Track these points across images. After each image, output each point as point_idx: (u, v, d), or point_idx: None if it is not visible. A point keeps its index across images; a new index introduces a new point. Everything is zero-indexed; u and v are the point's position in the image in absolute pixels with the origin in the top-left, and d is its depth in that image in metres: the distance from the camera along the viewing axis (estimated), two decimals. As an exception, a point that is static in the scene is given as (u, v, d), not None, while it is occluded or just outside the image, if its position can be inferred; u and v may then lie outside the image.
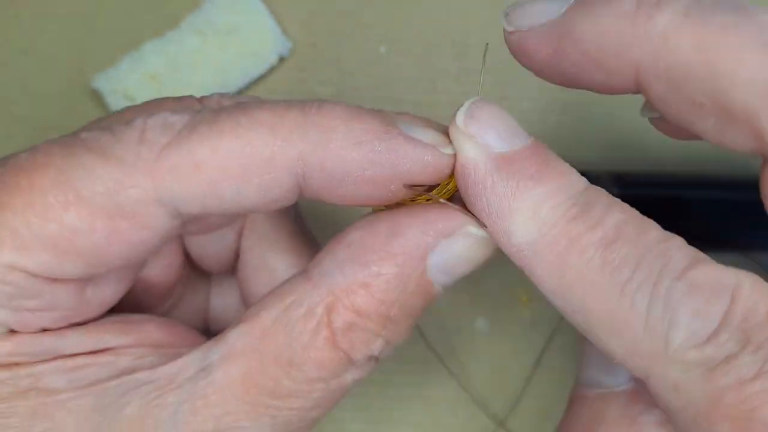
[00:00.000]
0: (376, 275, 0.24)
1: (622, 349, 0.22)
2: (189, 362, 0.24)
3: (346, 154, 0.23)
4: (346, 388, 0.25)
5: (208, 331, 0.33)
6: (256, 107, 0.23)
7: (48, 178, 0.23)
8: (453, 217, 0.24)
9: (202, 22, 0.41)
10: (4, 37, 0.42)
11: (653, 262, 0.21)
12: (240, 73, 0.41)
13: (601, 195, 0.23)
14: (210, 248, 0.31)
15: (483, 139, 0.23)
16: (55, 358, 0.25)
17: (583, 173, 0.39)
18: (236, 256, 0.31)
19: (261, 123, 0.23)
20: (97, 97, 0.41)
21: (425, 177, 0.24)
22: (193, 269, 0.32)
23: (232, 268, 0.32)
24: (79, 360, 0.25)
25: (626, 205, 0.23)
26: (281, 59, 0.42)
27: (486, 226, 0.23)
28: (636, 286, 0.21)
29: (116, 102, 0.40)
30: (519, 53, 0.25)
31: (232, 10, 0.41)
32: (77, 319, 0.25)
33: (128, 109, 0.27)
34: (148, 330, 0.26)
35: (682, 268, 0.21)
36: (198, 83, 0.40)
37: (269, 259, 0.30)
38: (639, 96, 0.32)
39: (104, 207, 0.23)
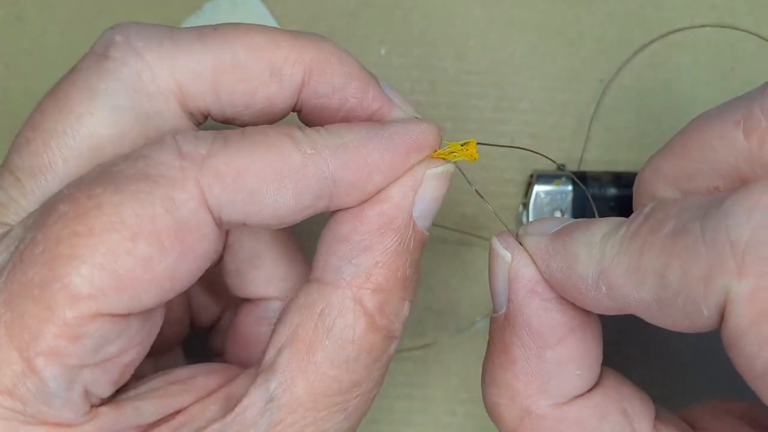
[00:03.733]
0: (383, 251, 0.25)
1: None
2: (254, 401, 0.25)
3: (363, 144, 0.25)
4: (392, 357, 0.27)
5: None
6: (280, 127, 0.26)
7: (105, 218, 0.22)
8: (416, 170, 0.26)
9: (203, 24, 0.41)
10: (6, 38, 0.42)
11: None
12: (241, 74, 0.41)
13: None
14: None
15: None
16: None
17: (583, 173, 0.39)
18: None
19: (287, 134, 0.25)
20: (98, 98, 0.41)
21: (433, 141, 0.27)
22: None
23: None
24: (161, 429, 0.25)
25: None
26: (282, 60, 0.42)
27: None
28: None
29: (118, 103, 0.40)
30: None
31: (233, 12, 0.41)
32: (141, 358, 0.26)
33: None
34: (201, 381, 0.27)
35: None
36: (199, 84, 0.41)
37: (259, 259, 0.31)
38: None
39: (168, 227, 0.23)
